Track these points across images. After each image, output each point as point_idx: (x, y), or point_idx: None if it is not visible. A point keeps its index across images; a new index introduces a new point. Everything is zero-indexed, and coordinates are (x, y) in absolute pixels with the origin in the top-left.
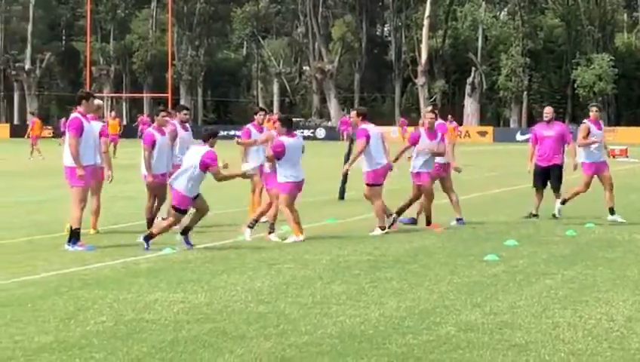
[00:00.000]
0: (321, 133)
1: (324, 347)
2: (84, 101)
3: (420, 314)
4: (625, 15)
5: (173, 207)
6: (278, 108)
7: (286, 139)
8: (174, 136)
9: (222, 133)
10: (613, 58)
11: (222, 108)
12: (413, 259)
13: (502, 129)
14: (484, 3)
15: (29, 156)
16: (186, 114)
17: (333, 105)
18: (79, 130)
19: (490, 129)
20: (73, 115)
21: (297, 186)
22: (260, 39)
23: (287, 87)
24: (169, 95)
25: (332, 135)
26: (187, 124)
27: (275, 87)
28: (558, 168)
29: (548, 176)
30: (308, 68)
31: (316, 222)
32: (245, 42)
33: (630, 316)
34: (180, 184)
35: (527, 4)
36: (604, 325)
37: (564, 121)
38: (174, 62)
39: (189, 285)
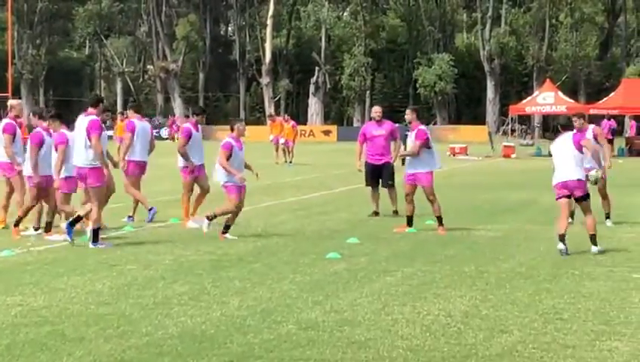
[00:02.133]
0: (164, 132)
1: (164, 348)
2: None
3: (262, 313)
4: (464, 15)
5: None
6: (121, 107)
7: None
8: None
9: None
10: (453, 58)
11: (64, 108)
12: (256, 258)
13: (346, 128)
14: (327, 3)
15: None
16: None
17: (177, 105)
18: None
19: (334, 128)
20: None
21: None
22: (103, 38)
23: (131, 87)
24: (9, 94)
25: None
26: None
27: (119, 87)
28: (390, 166)
29: (380, 174)
30: (152, 67)
31: (161, 221)
32: (88, 41)
33: (467, 311)
34: None
35: (369, 5)
36: (442, 321)
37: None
38: (15, 62)
39: (27, 288)
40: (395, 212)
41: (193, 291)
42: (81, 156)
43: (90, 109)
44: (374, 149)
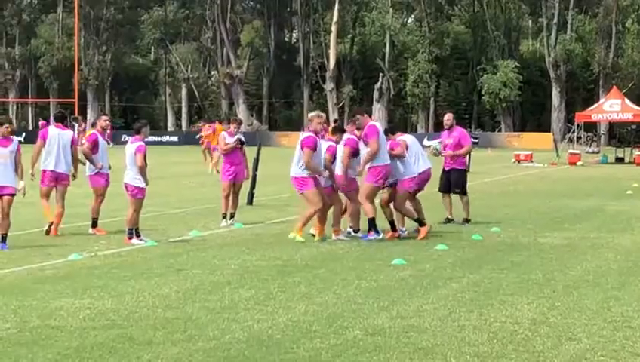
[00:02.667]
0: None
1: (231, 352)
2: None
3: (328, 318)
4: (530, 22)
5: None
6: (187, 113)
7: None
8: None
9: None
10: (518, 65)
11: (130, 114)
12: (321, 263)
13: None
14: (391, 9)
15: None
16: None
17: (241, 111)
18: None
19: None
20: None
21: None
22: (168, 44)
23: (196, 93)
24: (76, 100)
25: None
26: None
27: (184, 93)
28: (459, 172)
29: (450, 180)
30: (216, 73)
31: (225, 227)
32: (153, 47)
33: (534, 318)
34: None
35: (434, 11)
36: (509, 328)
37: (470, 127)
38: (81, 67)
39: (95, 291)
40: (466, 220)
41: (259, 296)
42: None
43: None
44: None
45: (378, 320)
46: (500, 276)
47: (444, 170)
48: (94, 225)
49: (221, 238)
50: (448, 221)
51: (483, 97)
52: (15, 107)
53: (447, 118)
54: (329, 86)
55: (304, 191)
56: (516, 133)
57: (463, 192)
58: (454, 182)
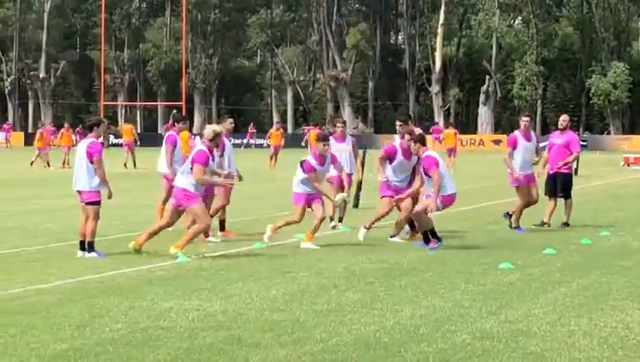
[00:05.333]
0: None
1: (339, 355)
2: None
3: (435, 322)
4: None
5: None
6: (292, 116)
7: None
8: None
9: (236, 141)
10: (628, 67)
11: (236, 117)
12: (428, 267)
13: None
14: (498, 11)
15: (44, 164)
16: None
17: (347, 113)
18: None
19: (504, 137)
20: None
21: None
22: (274, 47)
23: (301, 95)
24: (183, 103)
25: None
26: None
27: (289, 95)
28: (565, 176)
29: (556, 184)
30: (322, 76)
31: (331, 229)
32: (259, 50)
33: None
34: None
35: (542, 13)
36: (620, 333)
37: (578, 130)
38: (188, 71)
39: (203, 293)
40: (566, 224)
41: (366, 299)
42: None
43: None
44: (553, 158)
45: (486, 325)
46: (609, 281)
47: (549, 174)
48: (222, 228)
49: (327, 241)
50: (543, 225)
51: (592, 99)
52: (124, 110)
53: (564, 118)
54: (435, 88)
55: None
56: (625, 136)
57: (567, 196)
58: (560, 185)
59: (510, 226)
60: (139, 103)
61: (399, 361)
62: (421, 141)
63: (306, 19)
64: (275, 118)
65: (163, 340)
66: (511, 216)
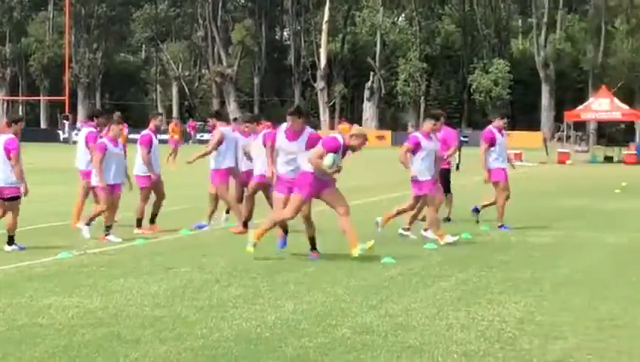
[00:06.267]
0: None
1: (219, 350)
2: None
3: (316, 317)
4: (519, 21)
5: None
6: (177, 111)
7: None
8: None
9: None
10: (508, 64)
11: (121, 112)
12: (311, 262)
13: (400, 133)
14: (382, 8)
15: None
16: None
17: (232, 109)
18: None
19: (388, 133)
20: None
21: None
22: (159, 42)
23: (187, 91)
24: (67, 98)
25: None
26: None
27: (174, 91)
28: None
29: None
30: (207, 71)
31: (216, 226)
32: (144, 45)
33: (522, 317)
34: None
35: (425, 10)
36: (497, 326)
37: (460, 126)
38: (72, 65)
39: (84, 289)
40: (447, 219)
41: (248, 294)
42: None
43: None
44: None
45: (366, 319)
46: (488, 275)
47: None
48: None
49: (210, 236)
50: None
51: (473, 96)
52: (5, 105)
53: None
54: (320, 84)
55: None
56: (506, 132)
57: (447, 190)
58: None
59: (477, 222)
60: (21, 98)
61: (279, 356)
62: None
63: (191, 14)
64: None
65: (41, 337)
66: (479, 211)
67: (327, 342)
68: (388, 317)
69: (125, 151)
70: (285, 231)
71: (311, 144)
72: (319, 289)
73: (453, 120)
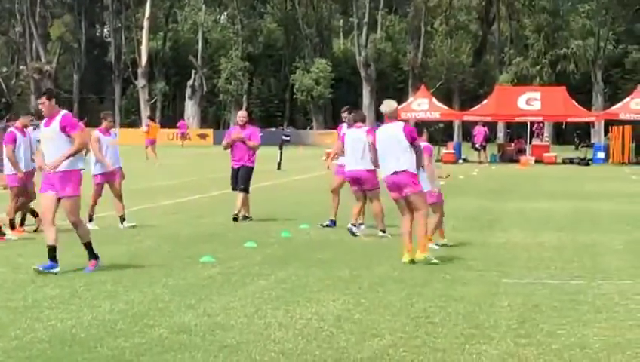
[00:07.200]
0: (36, 134)
1: (33, 351)
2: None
3: (133, 317)
4: (341, 21)
5: None
6: None
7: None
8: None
9: None
10: (330, 63)
11: None
12: (129, 261)
13: (222, 132)
14: (204, 6)
15: None
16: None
17: None
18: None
19: (210, 132)
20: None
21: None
22: None
23: (4, 87)
24: None
25: None
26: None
27: None
28: (247, 169)
29: (237, 178)
30: (25, 68)
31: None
32: None
33: (340, 315)
34: None
35: (247, 9)
36: (315, 324)
37: (282, 125)
38: None
39: None
40: (245, 217)
41: (64, 294)
42: None
43: None
44: (237, 153)
45: (184, 319)
46: (307, 273)
47: (233, 169)
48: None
49: (29, 237)
50: (236, 219)
51: (295, 95)
52: None
53: (242, 114)
54: (141, 82)
55: None
56: (328, 131)
57: (245, 190)
58: (241, 178)
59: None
60: None
61: (95, 357)
62: None
63: (8, 9)
64: None
65: None
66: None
67: (143, 342)
68: (206, 317)
69: None
70: None
71: None
72: (137, 289)
73: (275, 119)
